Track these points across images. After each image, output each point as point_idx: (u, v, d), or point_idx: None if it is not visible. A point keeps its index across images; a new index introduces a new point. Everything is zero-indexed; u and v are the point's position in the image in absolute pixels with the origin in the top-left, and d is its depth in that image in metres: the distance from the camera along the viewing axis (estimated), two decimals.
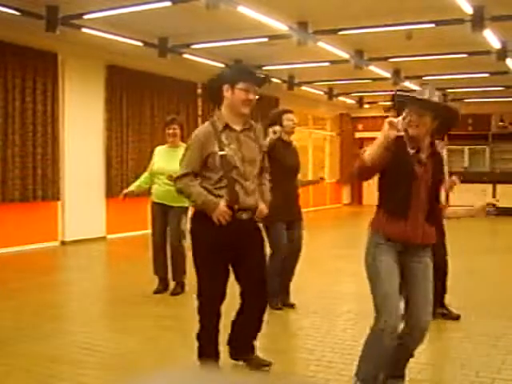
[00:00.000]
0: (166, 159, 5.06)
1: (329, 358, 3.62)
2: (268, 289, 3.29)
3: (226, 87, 3.11)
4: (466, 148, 14.46)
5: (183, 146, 5.03)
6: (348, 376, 3.32)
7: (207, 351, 3.20)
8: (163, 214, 5.13)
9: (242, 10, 6.34)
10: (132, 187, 5.40)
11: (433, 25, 7.10)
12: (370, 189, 16.34)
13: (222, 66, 9.73)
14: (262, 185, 3.28)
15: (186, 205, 4.92)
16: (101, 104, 8.90)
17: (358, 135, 16.62)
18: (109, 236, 8.96)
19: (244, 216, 3.10)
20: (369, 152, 2.59)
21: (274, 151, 4.23)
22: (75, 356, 3.58)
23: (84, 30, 7.29)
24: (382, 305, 2.69)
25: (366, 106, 15.36)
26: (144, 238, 9.40)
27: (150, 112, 9.67)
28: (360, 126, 16.59)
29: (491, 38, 7.61)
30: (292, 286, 4.79)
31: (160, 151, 5.26)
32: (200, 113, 10.82)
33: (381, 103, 15.33)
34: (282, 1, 6.61)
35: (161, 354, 3.63)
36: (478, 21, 6.59)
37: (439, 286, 4.05)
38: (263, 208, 3.21)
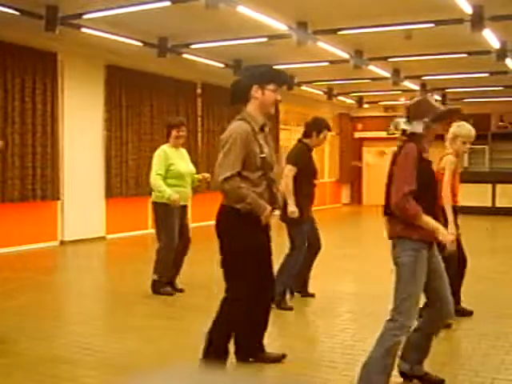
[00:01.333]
0: (182, 160, 5.12)
1: (329, 358, 3.62)
2: (280, 289, 3.34)
3: (255, 88, 3.11)
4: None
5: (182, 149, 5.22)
6: (348, 376, 3.32)
7: (221, 348, 3.20)
8: (179, 214, 5.03)
9: (242, 9, 6.34)
10: (172, 192, 4.90)
11: (432, 25, 7.10)
12: (370, 189, 16.44)
13: (222, 65, 9.74)
14: None
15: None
16: (100, 104, 8.90)
17: (357, 135, 16.63)
18: (108, 236, 8.96)
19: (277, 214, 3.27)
20: (423, 218, 2.77)
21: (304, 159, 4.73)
22: (75, 356, 3.57)
23: (83, 29, 7.29)
24: (412, 306, 2.80)
25: (366, 105, 15.36)
26: (143, 237, 9.41)
27: (150, 112, 9.66)
28: (359, 126, 16.60)
29: (491, 38, 7.61)
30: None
31: (172, 152, 5.06)
32: (200, 113, 10.82)
33: (380, 103, 15.35)
34: (282, 1, 6.60)
35: (161, 353, 3.63)
36: (478, 20, 6.59)
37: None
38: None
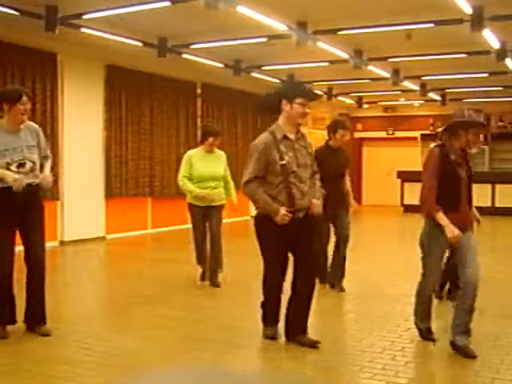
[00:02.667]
0: (208, 164, 5.44)
1: (329, 357, 3.62)
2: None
3: (284, 102, 3.61)
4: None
5: (218, 150, 5.52)
6: (348, 376, 3.33)
7: (269, 318, 3.80)
8: (203, 215, 5.48)
9: (242, 9, 6.34)
10: (197, 188, 5.39)
11: (432, 25, 7.10)
12: (370, 189, 16.44)
13: (222, 65, 9.74)
14: (314, 185, 3.78)
15: (224, 203, 5.52)
16: (100, 104, 8.90)
17: (357, 135, 16.63)
18: (108, 236, 8.96)
19: (300, 215, 3.62)
20: (439, 214, 3.46)
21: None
22: (75, 356, 3.58)
23: (83, 29, 7.28)
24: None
25: (366, 105, 15.36)
26: (143, 237, 9.42)
27: (150, 112, 9.67)
28: (359, 126, 16.60)
29: (490, 38, 7.61)
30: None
31: (197, 156, 5.45)
32: (199, 113, 10.82)
33: (380, 103, 15.35)
34: (282, 1, 6.60)
35: (160, 354, 3.63)
36: (478, 21, 6.59)
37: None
38: (316, 203, 3.69)
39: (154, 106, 9.71)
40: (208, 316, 4.58)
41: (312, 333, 3.79)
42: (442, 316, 4.21)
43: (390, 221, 12.90)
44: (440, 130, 3.59)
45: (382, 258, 7.61)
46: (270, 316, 3.81)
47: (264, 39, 7.94)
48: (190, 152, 5.56)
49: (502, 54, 8.45)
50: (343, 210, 5.36)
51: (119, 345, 3.79)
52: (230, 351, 3.67)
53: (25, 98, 3.82)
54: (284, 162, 3.54)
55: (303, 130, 3.86)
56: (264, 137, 3.62)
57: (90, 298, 5.38)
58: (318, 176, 3.85)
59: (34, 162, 3.94)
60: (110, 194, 8.99)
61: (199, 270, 5.64)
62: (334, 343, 3.92)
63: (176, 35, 8.13)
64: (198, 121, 10.78)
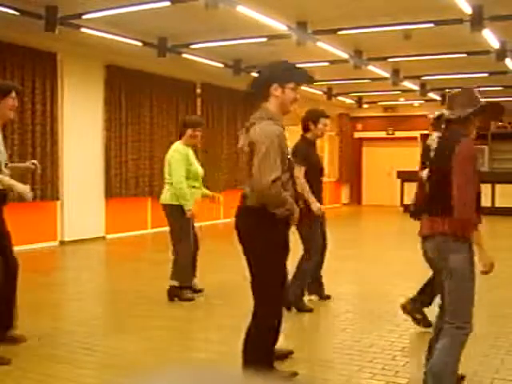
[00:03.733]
0: (194, 162, 4.99)
1: (329, 357, 3.62)
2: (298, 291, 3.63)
3: (274, 86, 2.94)
4: None
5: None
6: (347, 376, 3.32)
7: (273, 342, 3.01)
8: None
9: (241, 9, 6.34)
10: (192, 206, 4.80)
11: (432, 25, 7.10)
12: (370, 189, 16.44)
13: (221, 65, 9.74)
14: None
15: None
16: (100, 104, 8.90)
17: (356, 135, 16.64)
18: (108, 236, 8.96)
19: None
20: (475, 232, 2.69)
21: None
22: (75, 356, 3.57)
23: (83, 29, 7.28)
24: (471, 310, 2.70)
25: (365, 105, 15.36)
26: (143, 237, 9.42)
27: (150, 112, 9.67)
28: (359, 126, 16.61)
29: (490, 38, 7.61)
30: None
31: (190, 153, 4.97)
32: (199, 113, 10.82)
33: (380, 103, 15.35)
34: (281, 1, 6.60)
35: (160, 353, 3.63)
36: (477, 21, 6.59)
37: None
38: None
39: (153, 106, 9.71)
40: (207, 316, 4.58)
41: (310, 333, 3.79)
42: None
43: (390, 221, 12.90)
44: (449, 115, 2.78)
45: (382, 257, 7.62)
46: (274, 339, 3.03)
47: (264, 39, 7.94)
48: (177, 146, 4.94)
49: (501, 54, 8.45)
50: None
51: (119, 345, 3.79)
52: (228, 351, 3.67)
53: (14, 94, 3.60)
54: (289, 156, 3.02)
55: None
56: (275, 126, 2.92)
57: (89, 297, 5.38)
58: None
59: None
60: (109, 193, 8.99)
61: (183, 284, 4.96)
62: (332, 343, 3.92)
63: (176, 35, 8.13)
64: None
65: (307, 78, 3.17)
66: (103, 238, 8.89)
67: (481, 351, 3.57)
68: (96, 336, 3.99)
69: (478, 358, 3.49)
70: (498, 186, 12.94)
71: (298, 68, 3.15)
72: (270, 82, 2.95)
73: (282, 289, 2.98)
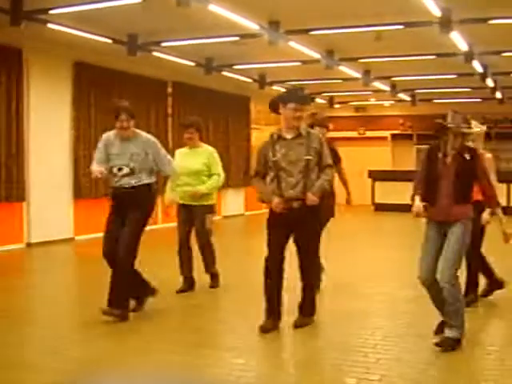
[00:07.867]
0: (185, 160, 5.29)
1: (299, 356, 3.60)
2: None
3: (281, 105, 4.08)
4: None
5: (203, 146, 5.36)
6: (320, 374, 3.31)
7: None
8: (186, 214, 5.26)
9: (213, 8, 6.28)
10: (170, 194, 5.08)
11: (402, 26, 7.18)
12: (342, 188, 16.50)
13: (193, 64, 9.65)
14: (317, 178, 4.07)
15: (210, 203, 5.28)
16: (68, 102, 8.70)
17: (328, 135, 16.73)
18: (77, 237, 8.76)
19: (295, 205, 4.00)
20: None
21: None
22: (42, 361, 3.46)
23: (50, 25, 7.09)
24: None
25: (337, 105, 15.47)
26: None
27: None
28: (331, 126, 16.69)
29: (459, 41, 7.74)
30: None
31: (181, 153, 5.44)
32: (170, 111, 10.69)
33: (351, 103, 15.48)
34: (254, 0, 6.57)
35: (131, 355, 3.55)
36: (446, 23, 6.69)
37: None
38: (310, 196, 3.98)
39: None
40: (173, 316, 4.50)
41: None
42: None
43: (362, 219, 13.01)
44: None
45: (354, 256, 7.65)
46: (268, 306, 4.07)
47: (236, 38, 7.89)
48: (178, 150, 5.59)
49: (469, 56, 8.62)
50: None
51: (88, 349, 3.70)
52: (212, 354, 3.61)
53: None
54: (275, 159, 4.02)
55: (312, 129, 4.34)
56: (264, 141, 4.19)
57: (57, 301, 5.25)
58: (327, 171, 4.11)
59: None
60: (78, 194, 8.80)
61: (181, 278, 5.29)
62: (304, 341, 3.91)
63: (147, 32, 8.01)
64: (169, 120, 10.66)
65: (302, 100, 4.14)
66: (72, 239, 8.69)
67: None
68: (64, 340, 3.89)
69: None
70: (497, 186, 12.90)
71: (296, 92, 4.42)
72: (277, 102, 4.10)
73: (273, 244, 4.13)
